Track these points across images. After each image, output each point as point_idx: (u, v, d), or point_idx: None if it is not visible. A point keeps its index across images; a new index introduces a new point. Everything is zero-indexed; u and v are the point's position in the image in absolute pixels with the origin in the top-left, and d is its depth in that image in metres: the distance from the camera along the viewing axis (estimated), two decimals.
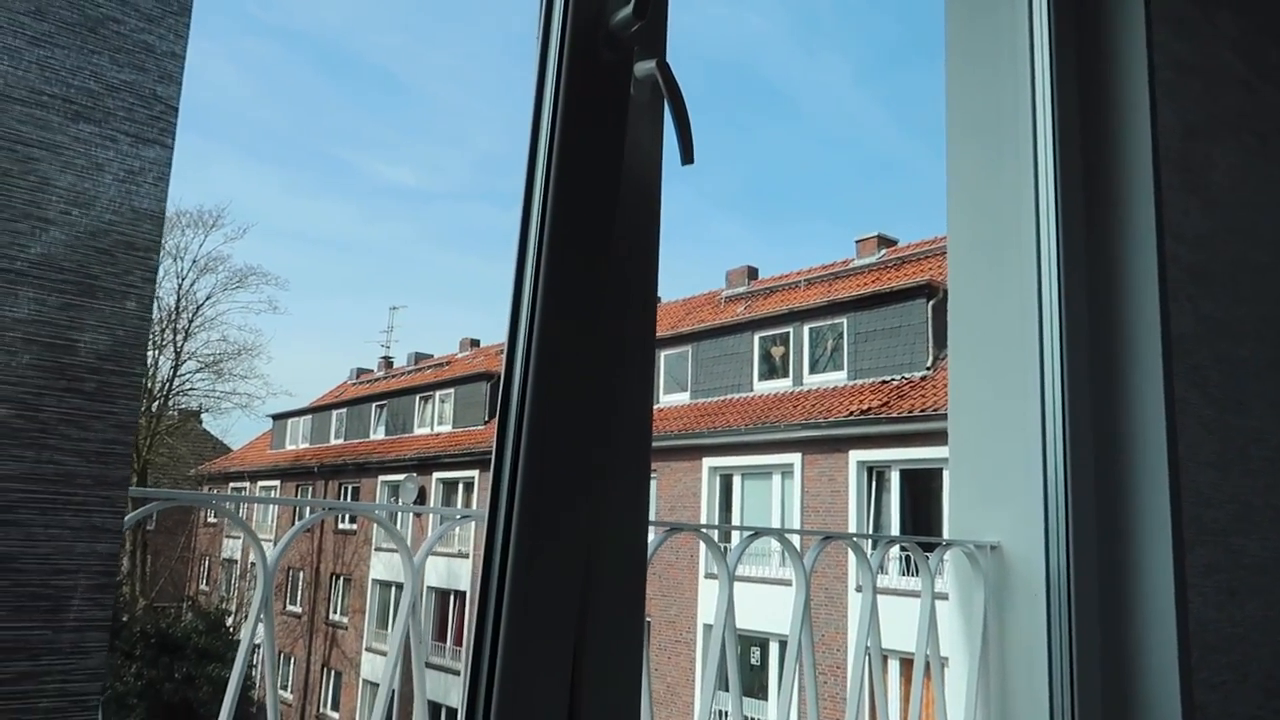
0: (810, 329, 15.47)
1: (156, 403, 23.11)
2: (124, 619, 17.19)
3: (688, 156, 1.06)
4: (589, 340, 1.00)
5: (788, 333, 15.81)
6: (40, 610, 0.60)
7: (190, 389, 24.87)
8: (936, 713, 1.65)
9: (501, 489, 0.95)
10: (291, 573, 23.78)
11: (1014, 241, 1.71)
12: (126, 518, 0.78)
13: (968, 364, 1.77)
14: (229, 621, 18.70)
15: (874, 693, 1.63)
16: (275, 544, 1.21)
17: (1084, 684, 1.53)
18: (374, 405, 24.97)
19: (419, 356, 28.52)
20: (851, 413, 13.67)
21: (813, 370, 15.34)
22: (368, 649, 20.58)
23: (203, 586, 25.29)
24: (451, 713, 17.15)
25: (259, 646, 1.19)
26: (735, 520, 15.38)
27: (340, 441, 25.66)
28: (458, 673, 17.70)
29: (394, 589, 19.58)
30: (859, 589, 12.10)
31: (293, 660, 22.83)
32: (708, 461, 15.66)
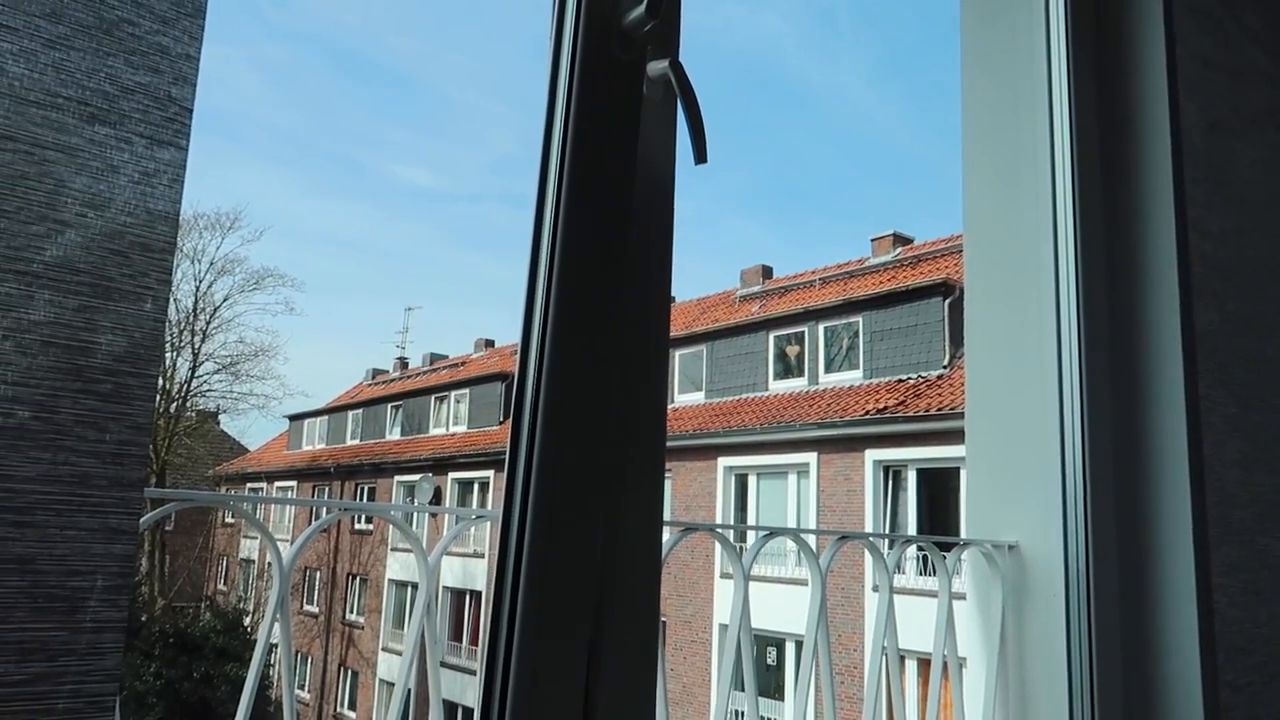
0: (825, 328, 15.41)
1: (174, 404, 23.32)
2: (143, 619, 17.35)
3: (701, 156, 1.06)
4: (603, 340, 1.00)
5: (803, 332, 15.76)
6: (57, 611, 0.60)
7: (208, 390, 25.09)
8: (955, 714, 1.64)
9: (516, 489, 0.95)
10: (308, 573, 23.93)
11: (1032, 238, 1.69)
12: (145, 518, 0.79)
13: (985, 362, 1.76)
14: (247, 621, 18.84)
15: (891, 693, 1.62)
16: (292, 544, 1.21)
17: (1104, 685, 1.51)
18: (390, 406, 25.09)
19: (434, 357, 28.63)
20: (867, 412, 13.61)
21: (828, 369, 15.29)
22: (384, 649, 20.68)
23: (221, 586, 25.49)
24: (467, 712, 17.20)
25: (276, 646, 1.19)
26: (751, 520, 15.35)
27: (356, 442, 25.80)
28: (473, 672, 17.75)
29: (410, 589, 19.64)
30: (876, 589, 12.05)
31: (310, 660, 22.97)
32: (723, 461, 15.63)
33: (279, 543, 1.14)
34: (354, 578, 22.62)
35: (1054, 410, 1.60)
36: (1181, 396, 1.54)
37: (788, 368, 15.96)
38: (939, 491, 13.01)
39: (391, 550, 21.19)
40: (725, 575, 14.65)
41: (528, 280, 0.99)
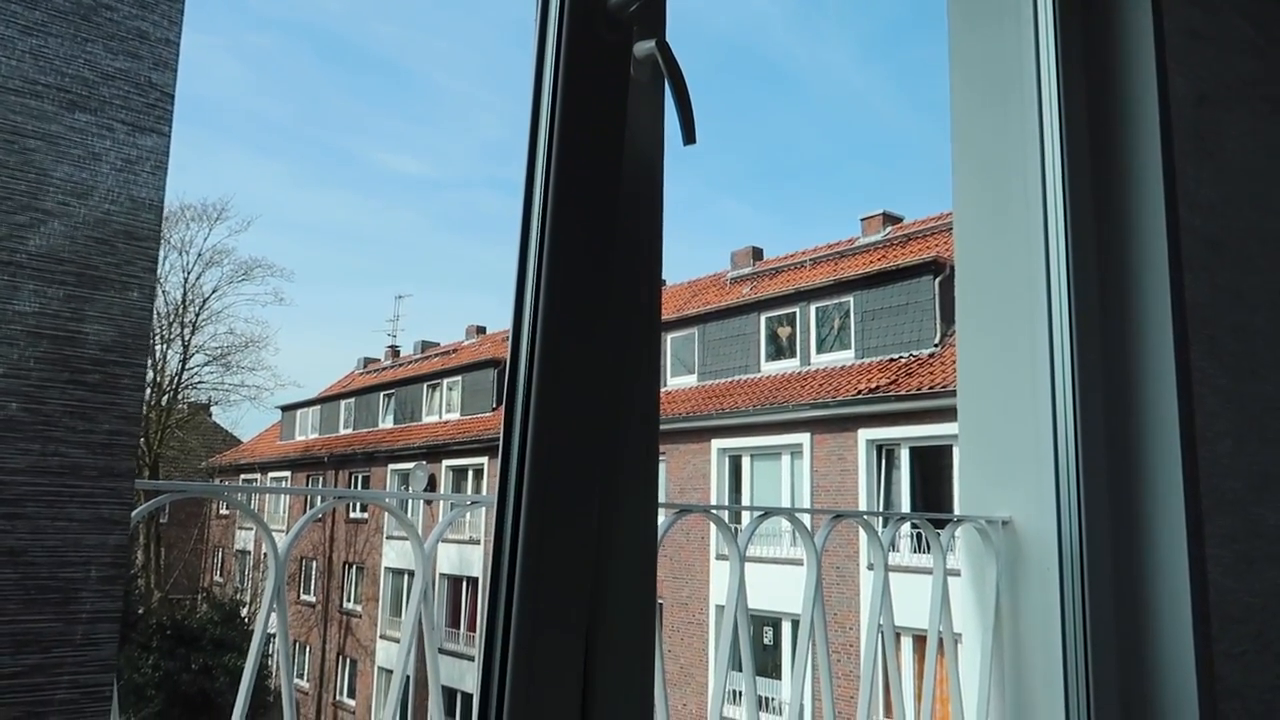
0: (817, 308, 15.43)
1: (166, 396, 23.24)
2: (140, 611, 17.36)
3: (689, 137, 1.05)
4: (594, 324, 1.00)
5: (794, 313, 15.78)
6: (51, 603, 0.60)
7: (199, 382, 25.02)
8: (950, 689, 1.65)
9: (510, 475, 0.95)
10: (305, 562, 23.96)
11: (1021, 215, 1.69)
12: (138, 510, 0.78)
13: (976, 339, 1.76)
14: (244, 612, 18.87)
15: (888, 670, 1.63)
16: (287, 534, 1.21)
17: (1099, 656, 1.52)
18: (382, 394, 25.06)
19: (426, 345, 28.57)
20: (860, 391, 13.66)
21: (820, 350, 15.32)
22: (382, 636, 20.74)
23: (217, 578, 25.51)
24: (466, 697, 17.30)
25: (274, 636, 1.19)
26: (745, 501, 15.41)
27: (349, 431, 25.77)
28: (471, 658, 17.83)
29: (407, 576, 19.70)
30: (870, 567, 12.12)
31: (308, 649, 23.03)
32: (716, 443, 15.67)
33: (274, 533, 1.14)
34: (350, 566, 22.66)
35: (1045, 385, 1.61)
36: (1172, 368, 1.55)
37: (780, 349, 15.99)
38: (932, 469, 13.08)
39: (387, 538, 21.22)
40: (721, 556, 14.72)
41: (518, 266, 0.99)
